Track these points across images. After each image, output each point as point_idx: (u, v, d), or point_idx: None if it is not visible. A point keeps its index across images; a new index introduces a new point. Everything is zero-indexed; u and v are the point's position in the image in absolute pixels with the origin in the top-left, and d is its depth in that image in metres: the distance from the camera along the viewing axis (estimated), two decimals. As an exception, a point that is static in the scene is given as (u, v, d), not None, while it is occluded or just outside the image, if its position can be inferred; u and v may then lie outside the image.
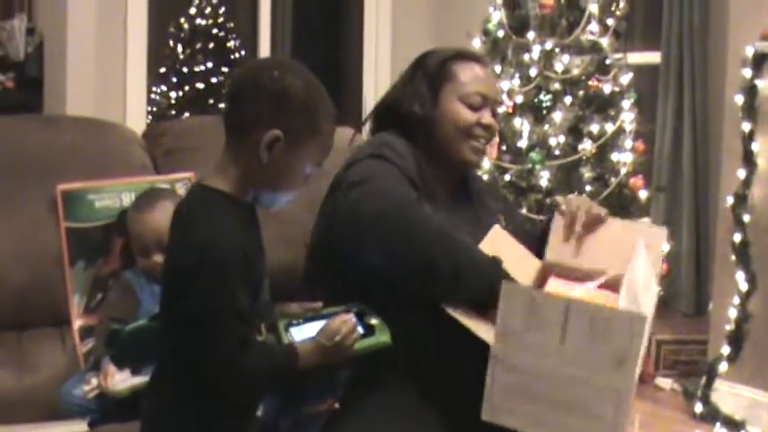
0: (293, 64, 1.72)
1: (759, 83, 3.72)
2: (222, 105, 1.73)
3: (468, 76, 2.15)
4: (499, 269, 1.89)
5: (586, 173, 3.84)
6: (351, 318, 1.75)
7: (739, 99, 3.77)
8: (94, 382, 2.06)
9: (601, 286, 1.99)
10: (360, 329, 1.77)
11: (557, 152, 3.81)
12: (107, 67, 4.50)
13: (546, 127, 3.84)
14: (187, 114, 5.87)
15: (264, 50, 5.23)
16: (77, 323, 2.26)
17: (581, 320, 1.68)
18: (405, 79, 2.20)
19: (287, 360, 1.68)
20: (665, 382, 4.14)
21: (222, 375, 1.60)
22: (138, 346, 2.04)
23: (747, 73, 3.73)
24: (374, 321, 1.80)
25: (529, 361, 1.71)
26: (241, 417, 1.71)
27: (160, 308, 1.71)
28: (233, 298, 1.58)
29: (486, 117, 2.14)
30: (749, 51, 3.72)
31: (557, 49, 3.88)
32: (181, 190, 2.39)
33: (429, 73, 2.16)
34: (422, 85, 2.15)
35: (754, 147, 3.75)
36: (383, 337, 1.78)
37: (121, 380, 2.02)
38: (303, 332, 1.76)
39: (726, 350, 3.78)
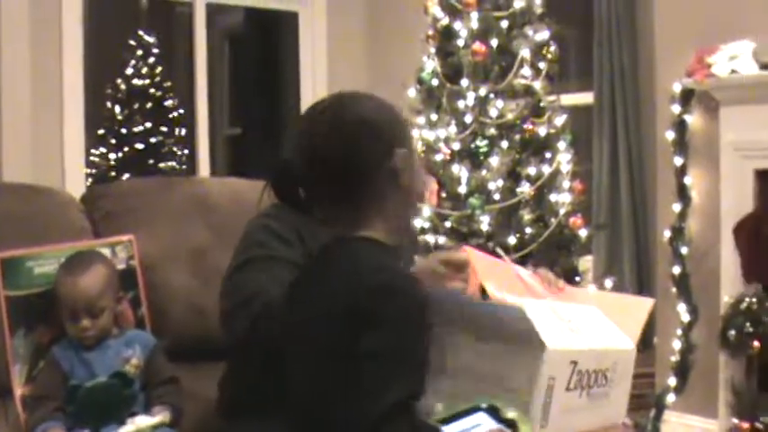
0: (346, 95, 1.68)
1: (688, 118, 3.82)
2: (301, 176, 1.67)
3: None
4: None
5: (526, 215, 3.87)
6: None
7: (670, 135, 3.87)
8: None
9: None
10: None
11: (496, 196, 3.84)
12: (43, 131, 4.46)
13: (484, 172, 3.87)
14: (127, 175, 5.85)
15: (202, 108, 5.23)
16: (19, 392, 2.21)
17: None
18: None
19: None
20: (616, 418, 4.16)
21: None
22: (97, 402, 2.02)
23: (676, 109, 3.84)
24: (511, 415, 1.59)
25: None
26: None
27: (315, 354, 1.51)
28: (420, 350, 1.45)
29: None
30: (676, 88, 3.83)
31: (491, 95, 3.92)
32: (121, 253, 2.36)
33: None
34: None
35: (687, 180, 3.85)
36: (524, 428, 1.58)
37: None
38: None
39: (672, 381, 3.84)
